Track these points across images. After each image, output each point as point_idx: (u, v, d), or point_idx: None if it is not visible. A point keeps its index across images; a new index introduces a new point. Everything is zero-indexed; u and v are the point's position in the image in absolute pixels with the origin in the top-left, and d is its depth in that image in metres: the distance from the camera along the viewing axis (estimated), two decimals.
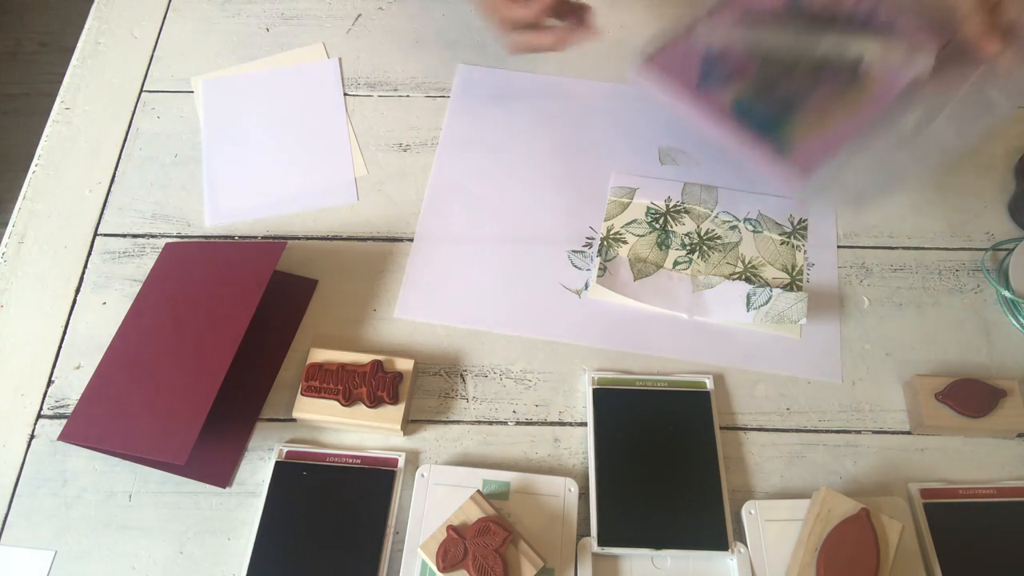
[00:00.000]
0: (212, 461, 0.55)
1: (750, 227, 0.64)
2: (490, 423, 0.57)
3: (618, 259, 0.62)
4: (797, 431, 0.57)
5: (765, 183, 0.57)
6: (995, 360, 0.59)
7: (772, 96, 0.59)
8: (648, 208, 0.65)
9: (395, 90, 0.72)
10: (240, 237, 0.64)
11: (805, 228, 0.64)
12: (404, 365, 0.56)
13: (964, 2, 0.57)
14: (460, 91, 0.72)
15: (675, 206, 0.65)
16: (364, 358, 0.56)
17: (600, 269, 0.61)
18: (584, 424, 0.57)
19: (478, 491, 0.51)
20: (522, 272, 0.63)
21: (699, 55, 0.60)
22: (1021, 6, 0.56)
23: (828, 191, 0.57)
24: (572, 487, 0.53)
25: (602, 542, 0.51)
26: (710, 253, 0.63)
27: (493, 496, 0.52)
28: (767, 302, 0.60)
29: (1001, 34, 0.56)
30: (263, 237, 0.65)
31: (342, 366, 0.55)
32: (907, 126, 0.57)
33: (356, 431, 0.56)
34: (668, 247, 0.63)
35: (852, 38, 0.59)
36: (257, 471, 0.55)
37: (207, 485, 0.54)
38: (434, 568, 0.48)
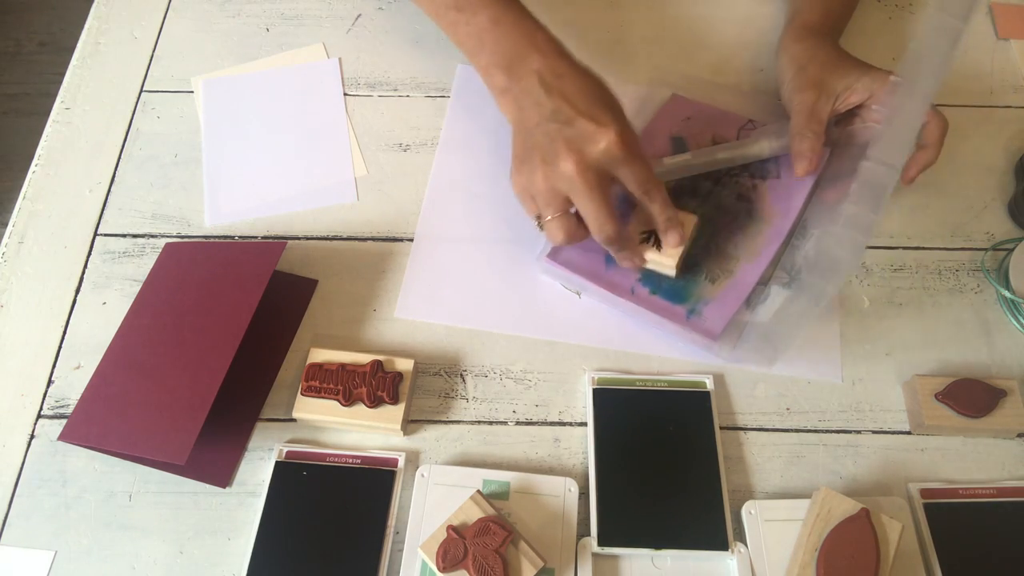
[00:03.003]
0: (212, 461, 0.55)
1: None
2: (490, 423, 0.57)
3: None
4: (797, 431, 0.57)
5: (687, 343, 0.59)
6: (995, 360, 0.59)
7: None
8: None
9: (395, 90, 0.72)
10: (240, 237, 0.64)
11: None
12: (404, 365, 0.56)
13: (795, 121, 0.60)
14: (460, 91, 0.72)
15: None
16: (364, 358, 0.56)
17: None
18: (584, 424, 0.57)
19: (478, 491, 0.51)
20: (522, 272, 0.63)
21: None
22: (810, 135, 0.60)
23: (741, 353, 0.58)
24: (572, 487, 0.53)
25: (602, 542, 0.51)
26: None
27: (493, 496, 0.52)
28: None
29: (813, 160, 0.60)
30: (263, 237, 0.65)
31: (342, 366, 0.55)
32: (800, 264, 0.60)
33: (356, 431, 0.56)
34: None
35: (744, 146, 0.63)
36: (257, 471, 0.55)
37: (207, 485, 0.54)
38: (434, 568, 0.48)
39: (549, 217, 0.55)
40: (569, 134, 0.52)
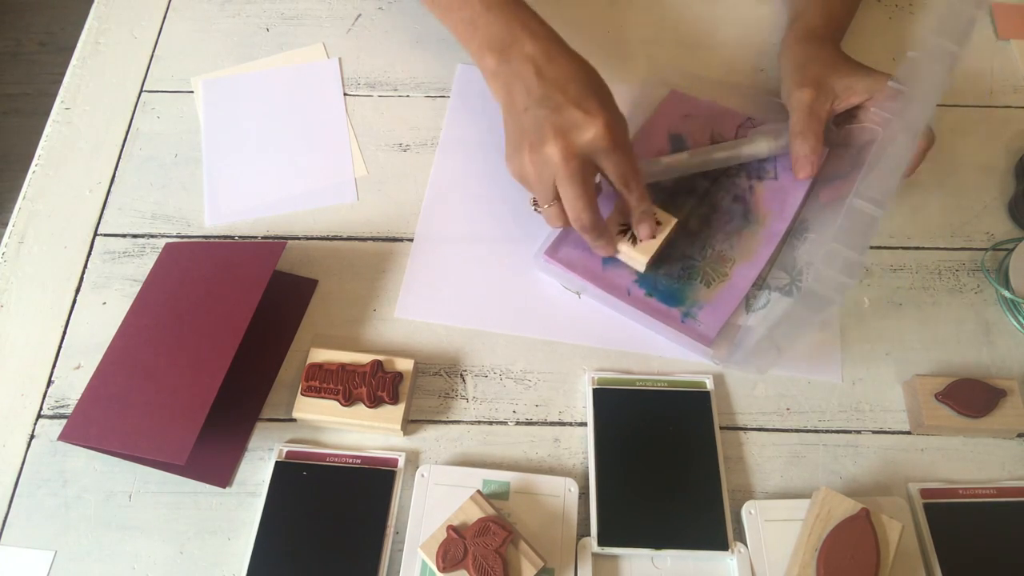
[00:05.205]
0: (212, 461, 0.55)
1: None
2: (490, 423, 0.57)
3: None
4: (797, 431, 0.57)
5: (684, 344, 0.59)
6: (995, 360, 0.59)
7: (672, 256, 0.61)
8: None
9: (395, 90, 0.72)
10: (240, 237, 0.64)
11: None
12: (404, 365, 0.56)
13: (795, 118, 0.60)
14: (460, 91, 0.72)
15: None
16: (364, 358, 0.56)
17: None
18: (584, 424, 0.57)
19: (478, 491, 0.51)
20: (522, 272, 0.63)
21: None
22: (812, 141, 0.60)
23: (733, 360, 0.58)
24: (572, 487, 0.53)
25: (602, 542, 0.51)
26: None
27: (493, 496, 0.52)
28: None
29: (815, 163, 0.60)
30: (263, 237, 0.65)
31: (342, 366, 0.55)
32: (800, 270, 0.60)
33: (356, 431, 0.56)
34: None
35: (742, 146, 0.63)
36: (257, 471, 0.55)
37: (207, 485, 0.54)
38: (434, 568, 0.48)
39: (546, 205, 0.55)
40: (557, 121, 0.52)
